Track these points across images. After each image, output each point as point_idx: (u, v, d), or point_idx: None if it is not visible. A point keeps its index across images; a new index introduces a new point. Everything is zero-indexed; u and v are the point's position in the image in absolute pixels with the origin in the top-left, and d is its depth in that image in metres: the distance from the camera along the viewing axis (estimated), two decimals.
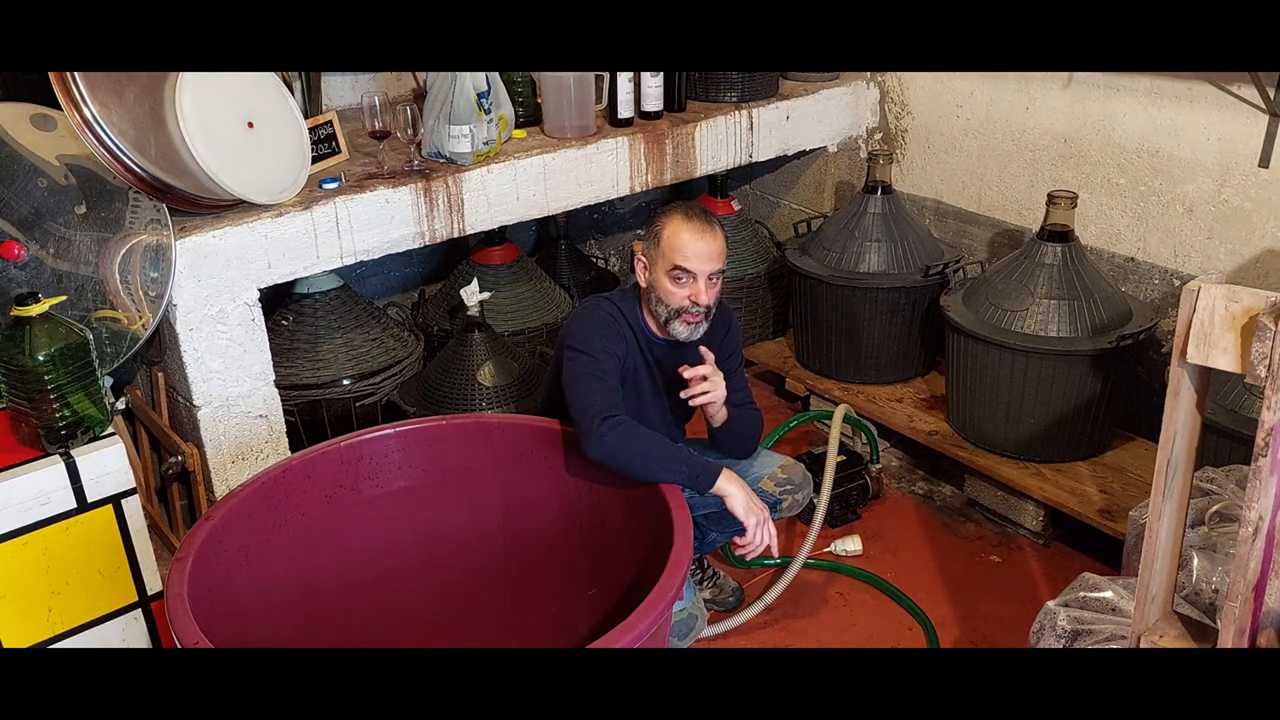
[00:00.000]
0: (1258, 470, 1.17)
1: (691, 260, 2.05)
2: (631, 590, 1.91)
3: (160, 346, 2.37)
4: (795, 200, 3.71)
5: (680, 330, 2.13)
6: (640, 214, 3.95)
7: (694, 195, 3.71)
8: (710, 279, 2.08)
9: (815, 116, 3.31)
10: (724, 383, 2.13)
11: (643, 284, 2.15)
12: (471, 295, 2.77)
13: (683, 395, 2.12)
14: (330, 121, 2.58)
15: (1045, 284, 2.62)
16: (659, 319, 2.14)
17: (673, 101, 3.06)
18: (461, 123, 2.55)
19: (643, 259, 2.14)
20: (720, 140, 3.09)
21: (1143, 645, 1.38)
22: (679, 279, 2.07)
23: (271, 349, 2.44)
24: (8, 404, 1.93)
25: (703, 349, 2.12)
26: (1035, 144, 2.97)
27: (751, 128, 3.15)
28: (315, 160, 2.50)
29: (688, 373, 2.10)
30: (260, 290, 2.36)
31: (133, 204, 2.16)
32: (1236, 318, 1.16)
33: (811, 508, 2.56)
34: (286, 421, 2.53)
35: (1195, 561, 1.81)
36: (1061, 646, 1.77)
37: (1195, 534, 1.89)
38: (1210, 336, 1.18)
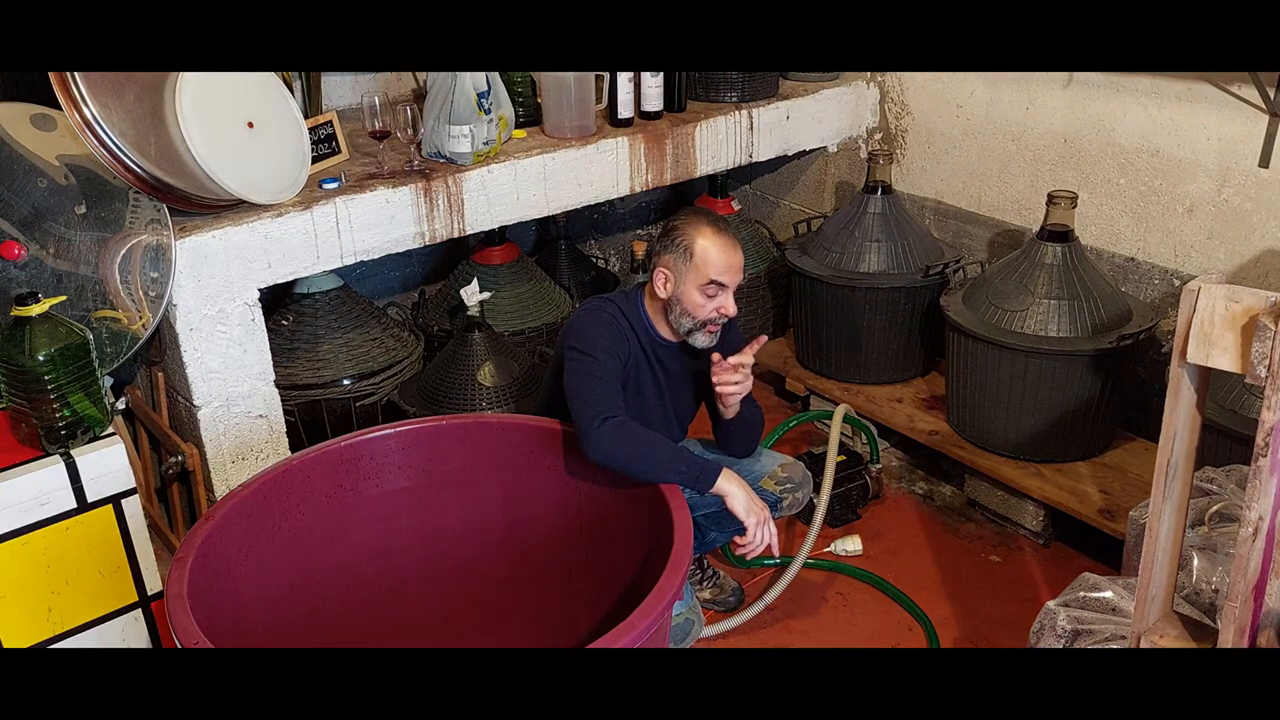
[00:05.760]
0: (1258, 470, 1.17)
1: (726, 275, 2.07)
2: (631, 590, 1.91)
3: (160, 346, 2.37)
4: (795, 200, 3.70)
5: (702, 340, 2.14)
6: (640, 214, 3.95)
7: (694, 195, 3.71)
8: (735, 290, 2.11)
9: (815, 116, 3.30)
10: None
11: (664, 295, 2.11)
12: (471, 295, 2.77)
13: (714, 381, 2.12)
14: (330, 121, 2.58)
15: (1045, 284, 2.62)
16: (680, 330, 2.14)
17: (673, 101, 3.05)
18: (461, 123, 2.55)
19: (666, 271, 2.10)
20: (720, 140, 3.09)
21: (1143, 645, 1.38)
22: (712, 294, 2.08)
23: (271, 349, 2.44)
24: (8, 404, 1.93)
25: (715, 355, 2.13)
26: (1035, 144, 2.97)
27: (751, 128, 3.15)
28: (315, 160, 2.50)
29: (726, 363, 2.11)
30: (260, 290, 2.36)
31: (133, 204, 2.16)
32: (1236, 318, 1.16)
33: (811, 507, 2.57)
34: (286, 421, 2.53)
35: (1195, 561, 1.81)
36: (1061, 646, 1.77)
37: (1195, 534, 1.89)
38: (1210, 336, 1.18)
